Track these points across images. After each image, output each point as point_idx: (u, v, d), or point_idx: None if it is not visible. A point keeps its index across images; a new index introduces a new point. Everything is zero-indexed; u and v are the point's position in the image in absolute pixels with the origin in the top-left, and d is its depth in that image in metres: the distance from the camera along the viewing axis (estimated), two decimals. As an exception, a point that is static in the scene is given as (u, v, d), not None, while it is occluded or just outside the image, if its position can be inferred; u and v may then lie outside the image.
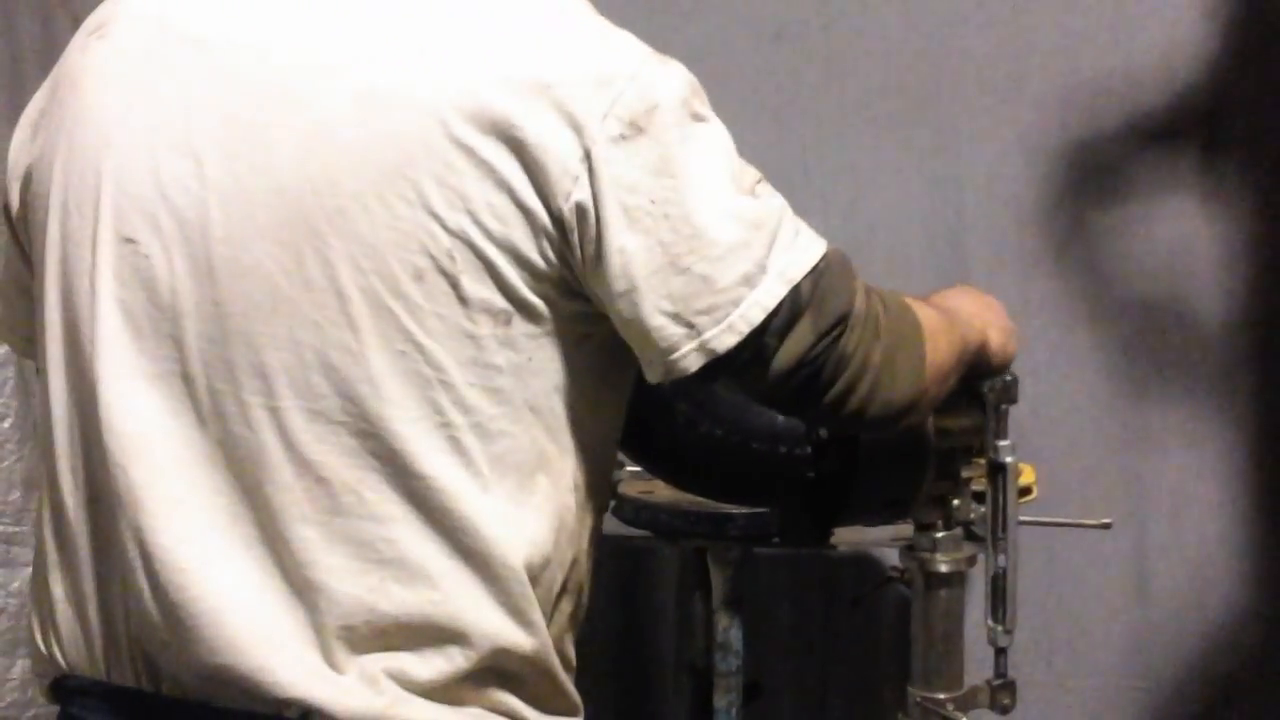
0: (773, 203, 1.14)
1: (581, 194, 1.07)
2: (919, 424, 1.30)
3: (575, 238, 1.08)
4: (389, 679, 1.09)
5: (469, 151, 1.06)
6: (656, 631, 2.48)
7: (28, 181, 1.22)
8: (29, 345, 1.26)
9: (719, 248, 1.08)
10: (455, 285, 1.07)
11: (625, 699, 2.50)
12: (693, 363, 1.09)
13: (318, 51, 1.10)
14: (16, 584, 2.06)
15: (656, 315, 1.08)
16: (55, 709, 1.21)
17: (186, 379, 1.11)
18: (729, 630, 1.90)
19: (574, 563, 1.17)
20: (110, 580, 1.14)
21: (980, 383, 1.43)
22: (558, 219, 1.07)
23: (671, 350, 1.09)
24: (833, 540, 1.63)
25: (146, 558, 1.10)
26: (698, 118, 1.13)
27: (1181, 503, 2.38)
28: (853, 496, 1.42)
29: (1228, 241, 2.34)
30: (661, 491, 1.88)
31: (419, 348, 1.08)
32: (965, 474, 1.51)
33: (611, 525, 1.95)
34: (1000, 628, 1.51)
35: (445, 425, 1.08)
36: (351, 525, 1.09)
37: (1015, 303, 2.36)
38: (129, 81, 1.15)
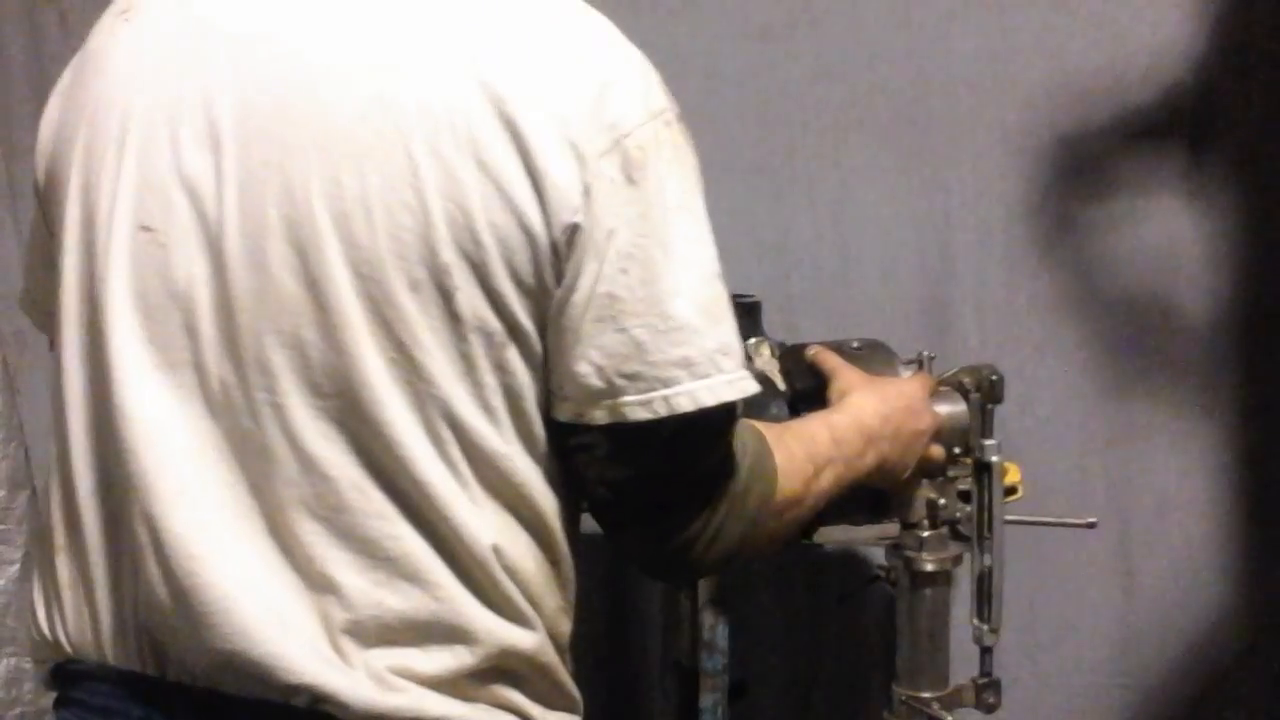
0: (730, 310, 1.13)
1: (577, 221, 1.07)
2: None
3: (564, 266, 1.08)
4: (396, 674, 1.10)
5: (479, 168, 1.06)
6: (642, 630, 2.48)
7: (53, 160, 1.22)
8: (49, 320, 1.26)
9: (671, 321, 1.08)
10: (450, 300, 1.07)
11: (611, 697, 2.50)
12: (598, 418, 1.10)
13: (339, 53, 1.10)
14: (1, 582, 2.05)
15: (583, 362, 1.09)
16: (41, 708, 1.21)
17: (199, 369, 1.11)
18: (715, 629, 1.90)
19: (559, 563, 1.18)
20: (120, 565, 1.15)
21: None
22: (555, 246, 1.07)
23: (587, 400, 1.10)
24: (818, 539, 1.63)
25: (157, 543, 1.11)
26: (692, 190, 1.12)
27: (1167, 501, 2.39)
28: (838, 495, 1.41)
29: (1213, 240, 2.34)
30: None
31: (410, 359, 1.08)
32: (951, 473, 1.51)
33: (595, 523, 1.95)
34: (985, 626, 1.52)
35: (437, 439, 1.09)
36: (357, 522, 1.10)
37: (1001, 302, 2.38)
38: (153, 68, 1.15)
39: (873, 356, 1.51)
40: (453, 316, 1.07)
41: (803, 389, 1.53)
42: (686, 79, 2.46)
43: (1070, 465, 2.38)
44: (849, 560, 2.27)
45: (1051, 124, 2.34)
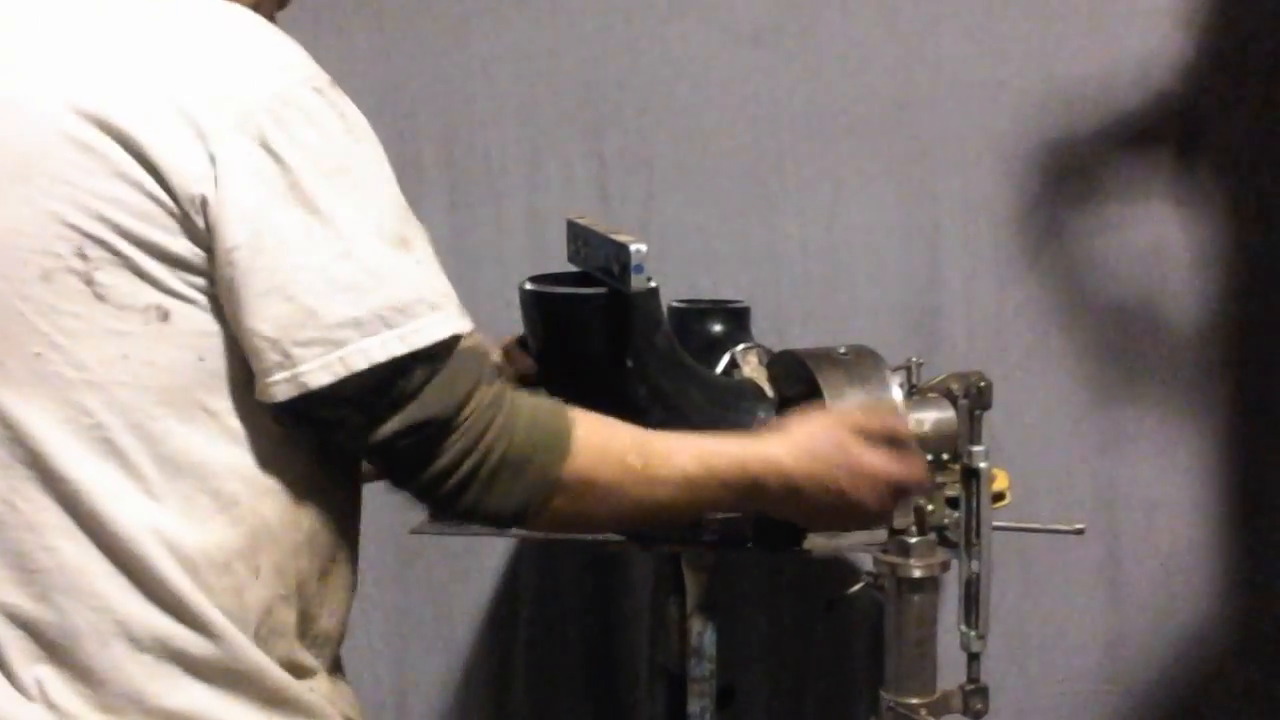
0: (415, 265, 1.11)
1: (203, 192, 1.05)
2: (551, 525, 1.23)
3: (202, 236, 1.06)
4: (65, 690, 1.09)
5: (88, 150, 1.05)
6: (630, 636, 2.48)
7: None
8: None
9: (335, 284, 1.07)
10: (90, 283, 1.06)
11: (599, 704, 2.50)
12: (281, 392, 1.07)
13: None
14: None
15: (256, 337, 1.07)
16: None
17: None
18: (703, 635, 1.90)
19: (283, 571, 1.14)
20: None
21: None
22: (186, 217, 1.06)
23: (266, 374, 1.08)
24: (806, 545, 1.63)
25: None
26: (348, 153, 1.10)
27: (1154, 507, 2.39)
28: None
29: (1202, 247, 2.35)
30: (636, 496, 1.88)
31: (57, 348, 1.06)
32: (939, 479, 1.51)
33: (586, 529, 1.95)
34: (973, 633, 1.52)
35: (96, 427, 1.07)
36: (10, 536, 1.09)
37: (990, 308, 2.39)
38: None
39: (861, 363, 1.51)
40: (99, 298, 1.06)
41: (790, 395, 1.53)
42: (677, 84, 2.47)
43: (1058, 471, 2.38)
44: (836, 566, 2.26)
45: (1040, 130, 2.35)
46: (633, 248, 1.37)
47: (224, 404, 1.10)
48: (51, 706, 1.09)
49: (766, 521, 1.56)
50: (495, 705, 2.52)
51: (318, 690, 1.17)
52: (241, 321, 1.07)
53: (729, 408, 1.53)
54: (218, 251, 1.06)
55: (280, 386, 1.07)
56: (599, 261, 1.47)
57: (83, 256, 1.06)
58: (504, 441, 1.14)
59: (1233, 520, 2.38)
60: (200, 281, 1.07)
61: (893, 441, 1.33)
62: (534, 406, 1.17)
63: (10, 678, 1.10)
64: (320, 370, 1.07)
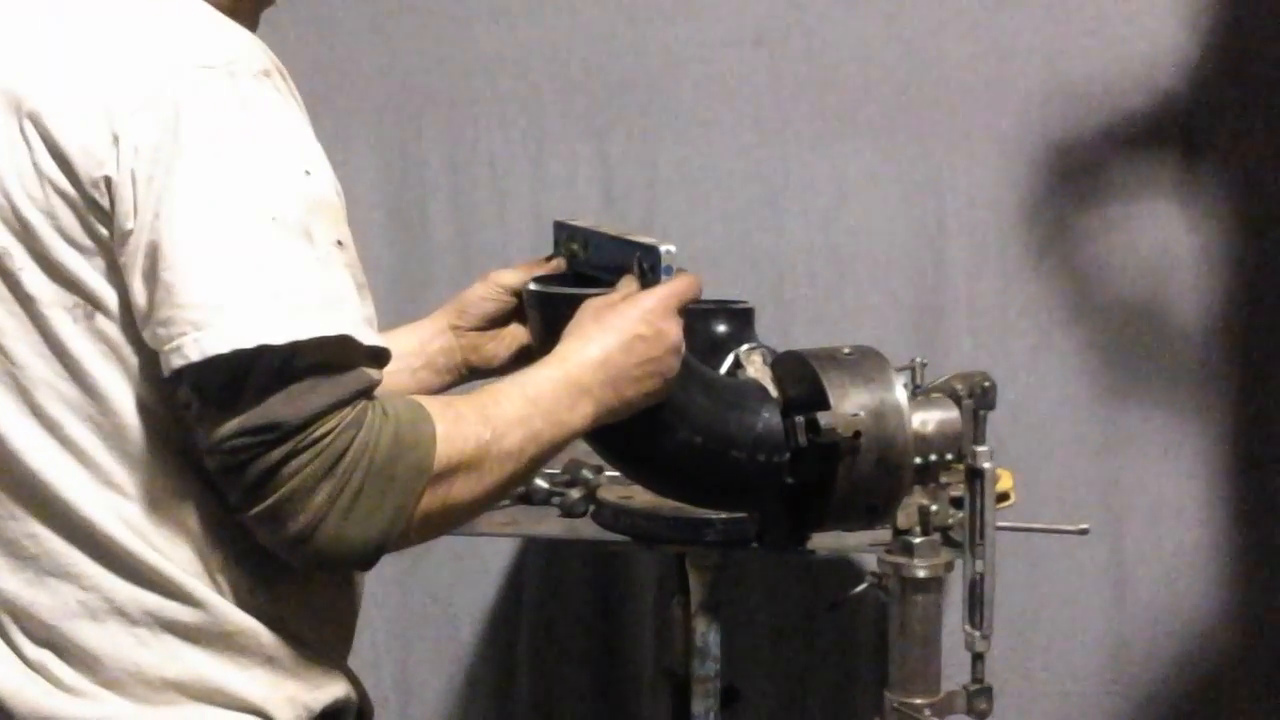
0: (304, 261, 1.06)
1: (108, 174, 1.05)
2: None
3: (109, 216, 1.06)
4: (67, 668, 1.11)
5: (19, 148, 1.06)
6: (635, 636, 2.48)
7: None
8: None
9: (209, 266, 1.03)
10: (16, 284, 1.08)
11: (603, 705, 2.50)
12: (165, 368, 1.04)
13: None
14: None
15: (139, 316, 1.06)
16: None
17: None
18: (707, 635, 1.90)
19: (250, 553, 1.11)
20: None
21: None
22: (93, 201, 1.06)
23: (157, 348, 1.05)
24: (811, 545, 1.63)
25: None
26: (250, 138, 1.07)
27: (1158, 508, 2.39)
28: (831, 502, 1.41)
29: (1207, 247, 2.35)
30: (640, 497, 1.88)
31: (1, 349, 1.09)
32: (943, 479, 1.51)
33: (590, 530, 1.95)
34: (978, 633, 1.52)
35: (52, 422, 1.09)
36: (2, 526, 1.12)
37: (994, 308, 2.38)
38: None
39: (865, 362, 1.50)
40: (27, 298, 1.08)
41: (795, 396, 1.53)
42: (680, 84, 2.47)
43: (1062, 472, 2.38)
44: (841, 567, 2.27)
45: (1045, 131, 2.35)
46: (662, 249, 1.37)
47: (159, 387, 1.08)
48: (56, 683, 1.11)
49: (772, 520, 1.56)
50: (498, 706, 2.52)
51: (321, 654, 1.17)
52: (133, 300, 1.06)
53: (733, 408, 1.53)
54: (116, 232, 1.06)
55: (163, 361, 1.04)
56: (604, 262, 1.47)
57: (9, 254, 1.08)
58: (366, 459, 1.05)
59: (1237, 521, 2.38)
60: (106, 268, 1.08)
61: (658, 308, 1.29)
62: (395, 415, 1.09)
63: (21, 656, 1.12)
64: (189, 347, 1.02)
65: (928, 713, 1.50)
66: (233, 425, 1.03)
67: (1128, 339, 2.37)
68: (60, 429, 1.09)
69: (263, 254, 1.04)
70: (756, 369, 1.70)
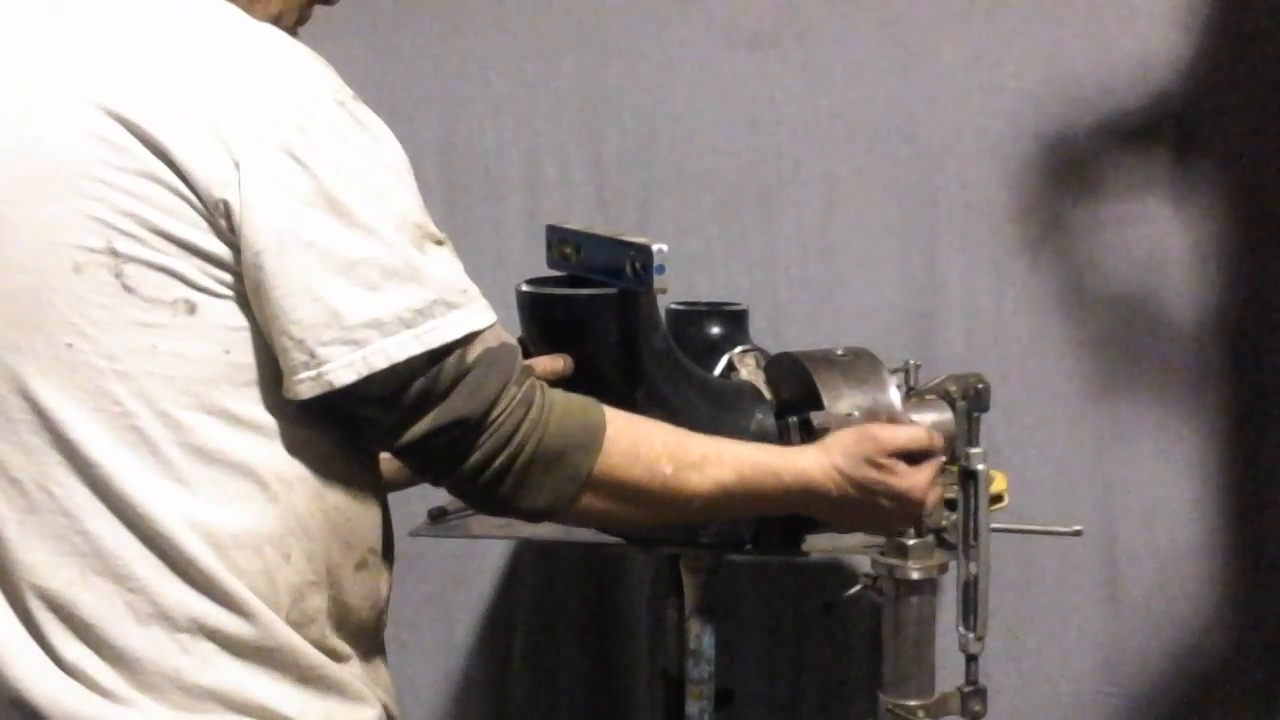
0: (437, 265, 1.14)
1: (227, 198, 1.08)
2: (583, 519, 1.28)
3: (228, 235, 1.09)
4: (106, 670, 1.11)
5: (117, 149, 1.07)
6: (629, 638, 2.48)
7: None
8: None
9: (359, 286, 1.09)
10: (119, 275, 1.09)
11: (598, 707, 2.50)
12: (307, 390, 1.10)
13: None
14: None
15: (283, 338, 1.09)
16: None
17: None
18: (701, 637, 1.90)
19: (313, 557, 1.16)
20: None
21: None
22: (208, 216, 1.08)
23: (293, 373, 1.10)
24: (805, 548, 1.63)
25: None
26: (366, 158, 1.13)
27: (1152, 508, 2.39)
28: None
29: (1200, 246, 2.35)
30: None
31: (87, 338, 1.09)
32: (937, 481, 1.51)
33: (584, 532, 1.95)
34: (971, 634, 1.52)
35: (125, 415, 1.10)
36: (47, 522, 1.11)
37: (987, 309, 2.39)
38: None
39: (858, 364, 1.51)
40: (127, 290, 1.09)
41: (788, 398, 1.53)
42: (675, 87, 2.47)
43: (1056, 473, 2.38)
44: (835, 568, 2.27)
45: (1038, 132, 2.35)
46: (654, 248, 1.39)
47: (251, 395, 1.12)
48: (93, 686, 1.11)
49: (766, 524, 1.56)
50: (493, 708, 2.52)
51: (353, 672, 1.19)
52: (269, 323, 1.09)
53: (727, 409, 1.53)
54: (244, 254, 1.08)
55: (305, 385, 1.10)
56: (597, 264, 1.47)
57: (112, 251, 1.08)
58: (534, 439, 1.17)
59: (1231, 520, 2.38)
60: (227, 277, 1.10)
61: (919, 456, 1.37)
62: (566, 403, 1.20)
63: (57, 660, 1.12)
64: (344, 369, 1.09)
65: (922, 714, 1.50)
66: (425, 427, 1.13)
67: (1121, 339, 2.37)
68: (138, 424, 1.10)
69: (404, 269, 1.11)
70: (750, 370, 1.71)
